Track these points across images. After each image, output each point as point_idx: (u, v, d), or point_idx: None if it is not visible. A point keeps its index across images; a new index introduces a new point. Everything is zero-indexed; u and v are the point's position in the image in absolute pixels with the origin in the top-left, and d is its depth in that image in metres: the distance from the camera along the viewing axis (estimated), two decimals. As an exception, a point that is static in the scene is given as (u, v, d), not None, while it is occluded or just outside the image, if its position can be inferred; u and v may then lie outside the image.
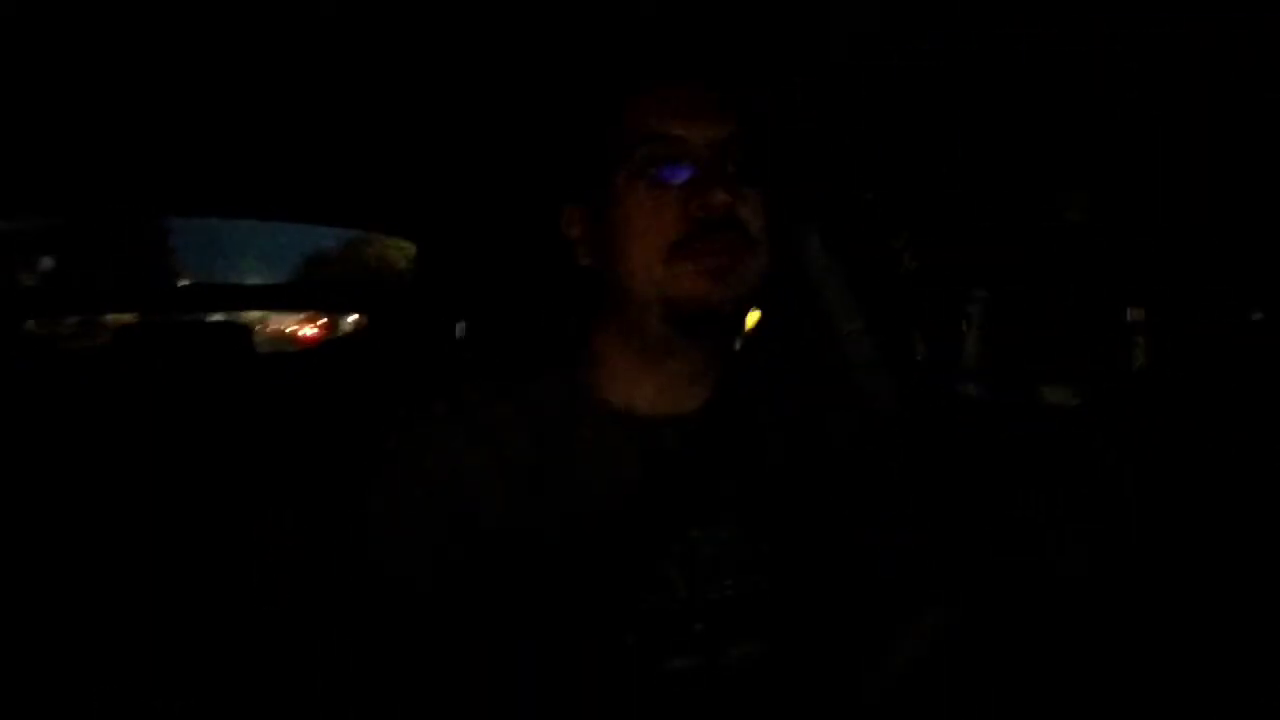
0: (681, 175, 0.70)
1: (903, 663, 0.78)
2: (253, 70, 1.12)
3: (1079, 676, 0.72)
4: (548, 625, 0.66)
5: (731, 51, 0.81)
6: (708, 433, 0.77)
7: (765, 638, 0.74)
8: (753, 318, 1.03)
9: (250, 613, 1.38)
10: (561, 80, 0.99)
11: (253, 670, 1.28)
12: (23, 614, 1.36)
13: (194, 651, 1.37)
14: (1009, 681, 0.77)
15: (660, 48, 0.79)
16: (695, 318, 0.71)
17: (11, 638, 1.32)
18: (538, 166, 1.10)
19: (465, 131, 1.33)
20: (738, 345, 0.89)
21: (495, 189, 1.52)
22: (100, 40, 1.01)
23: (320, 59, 1.08)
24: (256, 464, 1.62)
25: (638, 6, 0.89)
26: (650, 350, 0.75)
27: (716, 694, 0.71)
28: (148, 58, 1.07)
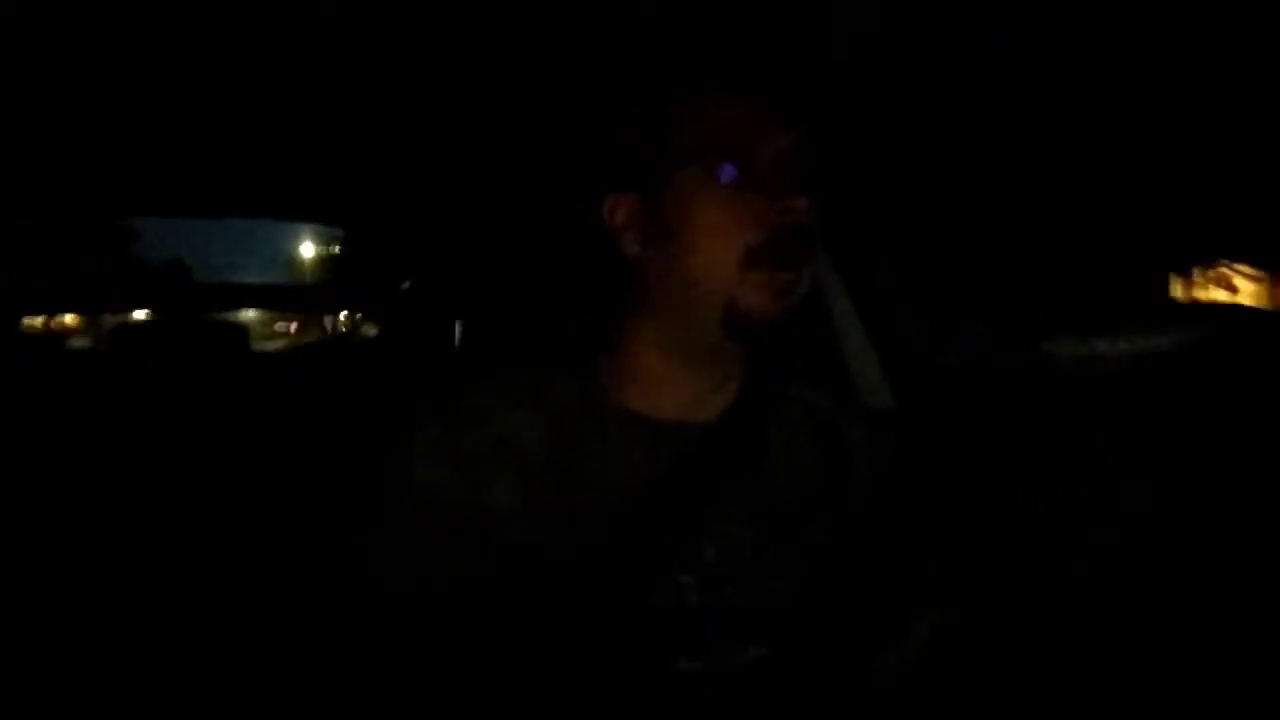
0: (751, 183, 0.70)
1: (906, 662, 0.78)
2: (253, 69, 1.12)
3: (1083, 677, 0.73)
4: (558, 628, 0.66)
5: (794, 62, 0.82)
6: (724, 438, 0.77)
7: (776, 642, 0.74)
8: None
9: (250, 613, 1.38)
10: (608, 69, 0.98)
11: (253, 670, 1.28)
12: (23, 614, 1.36)
13: (194, 651, 1.37)
14: (1012, 682, 0.77)
15: (730, 56, 0.80)
16: (756, 327, 0.71)
17: (11, 637, 1.32)
18: (555, 158, 1.10)
19: (465, 129, 1.32)
20: None
21: (494, 187, 1.52)
22: (97, 40, 1.01)
23: (320, 58, 1.08)
24: (256, 464, 1.62)
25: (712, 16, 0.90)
26: (691, 351, 0.74)
27: (726, 697, 0.71)
28: (146, 58, 1.07)
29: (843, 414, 0.88)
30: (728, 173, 0.70)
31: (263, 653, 1.28)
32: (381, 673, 0.68)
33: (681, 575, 0.72)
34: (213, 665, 1.34)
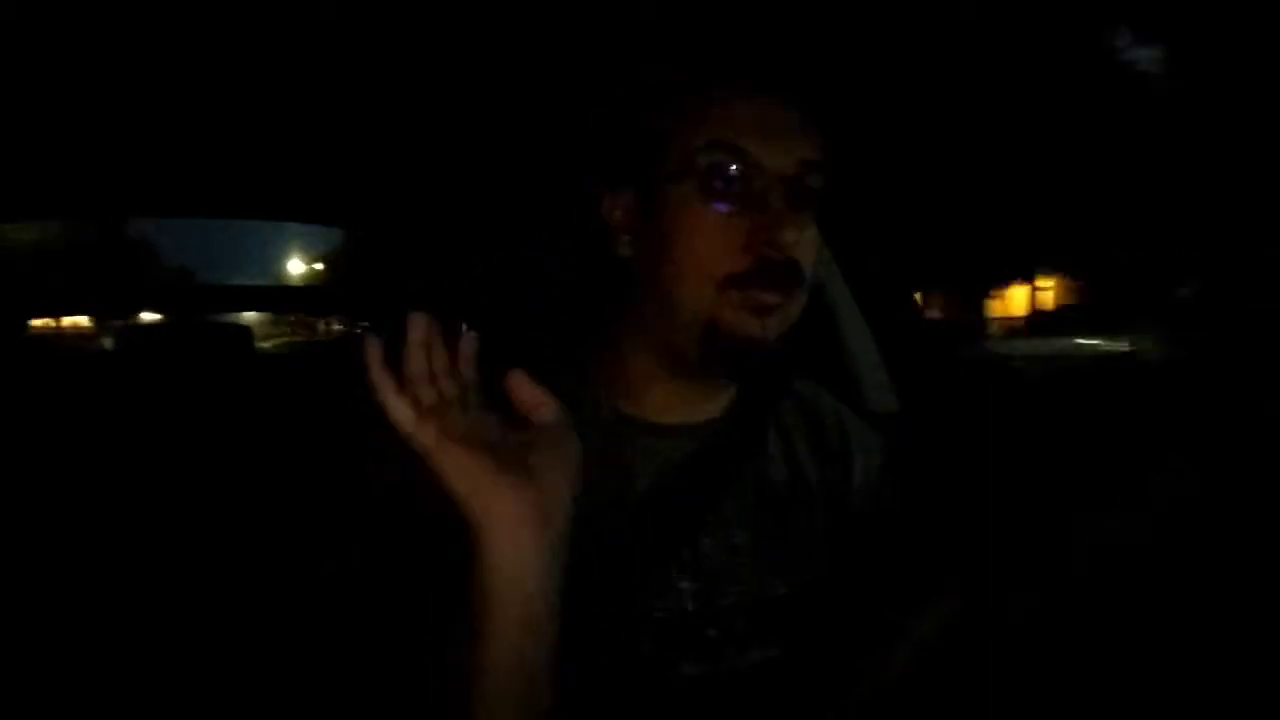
0: (748, 200, 0.66)
1: (907, 660, 0.77)
2: (252, 68, 1.12)
3: (1084, 675, 0.72)
4: (560, 631, 0.65)
5: (820, 66, 0.76)
6: (722, 441, 0.76)
7: (778, 643, 0.74)
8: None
9: (250, 612, 1.38)
10: (612, 66, 0.95)
11: (253, 670, 1.28)
12: (23, 613, 1.36)
13: (194, 651, 1.37)
14: (1013, 679, 0.77)
15: (741, 52, 0.72)
16: (736, 350, 0.68)
17: (11, 638, 1.32)
18: (546, 154, 1.09)
19: (465, 131, 1.32)
20: None
21: (494, 190, 1.52)
22: (96, 41, 1.01)
23: (319, 58, 1.08)
24: (257, 464, 1.62)
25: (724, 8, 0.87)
26: (678, 363, 0.72)
27: (729, 699, 0.71)
28: (144, 59, 1.07)
29: (844, 413, 0.88)
30: (718, 189, 0.66)
31: (263, 652, 1.28)
32: (380, 674, 0.67)
33: (681, 579, 0.71)
34: (213, 665, 1.35)
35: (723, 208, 0.66)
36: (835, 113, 0.72)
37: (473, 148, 1.39)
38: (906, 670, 0.76)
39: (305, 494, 1.38)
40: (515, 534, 0.53)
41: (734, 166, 0.66)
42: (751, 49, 0.70)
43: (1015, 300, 22.43)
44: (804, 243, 0.67)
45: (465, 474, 0.53)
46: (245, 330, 2.40)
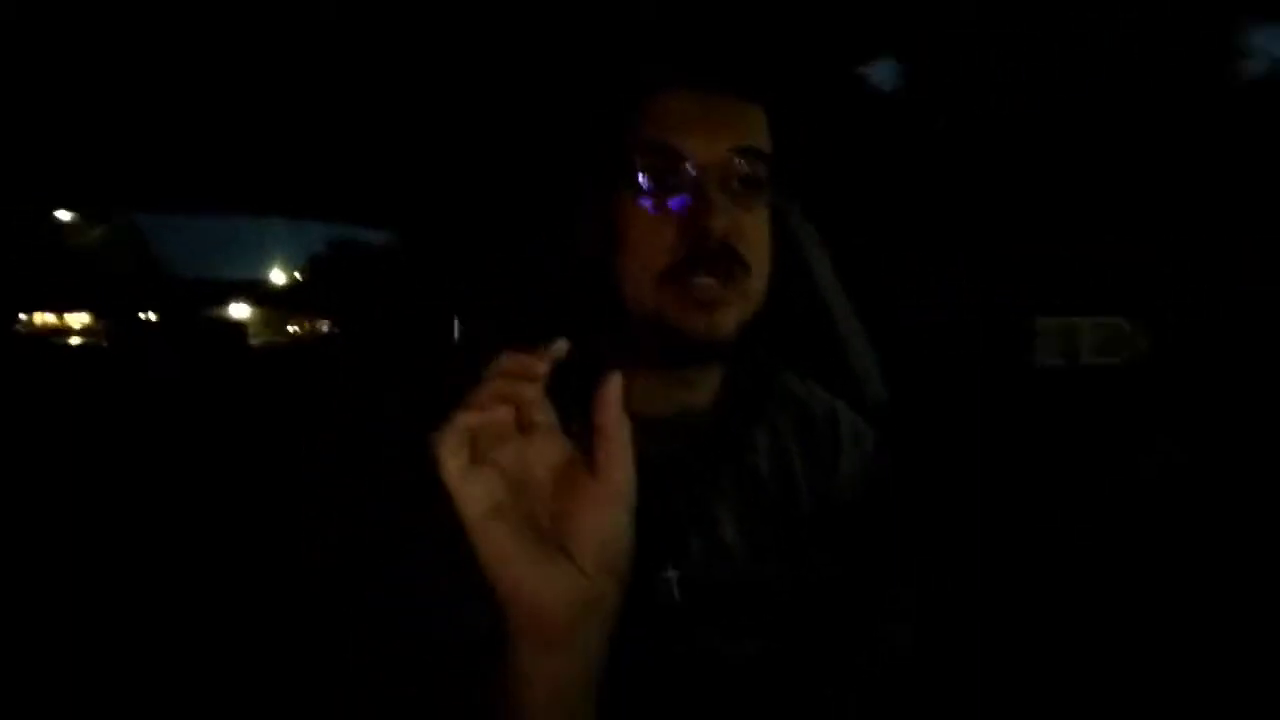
0: (679, 194, 0.67)
1: (896, 654, 0.78)
2: (252, 68, 1.12)
3: (1082, 668, 0.73)
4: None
5: (743, 56, 0.77)
6: (707, 434, 0.76)
7: (767, 636, 0.74)
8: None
9: (251, 612, 1.38)
10: (565, 78, 0.97)
11: (253, 670, 1.28)
12: (23, 613, 1.36)
13: (194, 651, 1.37)
14: (1001, 673, 0.77)
15: (666, 50, 0.74)
16: (687, 344, 0.68)
17: (10, 637, 1.32)
18: (534, 161, 1.09)
19: (459, 128, 1.32)
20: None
21: (488, 186, 1.52)
22: (95, 40, 1.01)
23: (318, 58, 1.08)
24: (254, 460, 1.62)
25: (642, 7, 0.87)
26: (645, 358, 0.72)
27: (716, 694, 0.71)
28: (143, 58, 1.06)
29: (834, 405, 0.88)
30: (652, 186, 0.67)
31: (264, 652, 1.28)
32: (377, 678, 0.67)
33: (668, 571, 0.71)
34: (213, 665, 1.35)
35: (656, 204, 0.67)
36: (779, 97, 0.73)
37: (456, 148, 1.39)
38: (895, 663, 0.76)
39: (299, 487, 1.39)
40: (553, 636, 0.48)
41: (665, 162, 0.66)
42: (679, 44, 0.72)
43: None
44: (744, 229, 0.68)
45: (504, 557, 0.47)
46: (240, 327, 2.40)
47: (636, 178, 0.67)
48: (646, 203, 0.67)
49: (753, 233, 0.69)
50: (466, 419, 0.48)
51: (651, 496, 0.72)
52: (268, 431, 1.70)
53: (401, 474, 0.69)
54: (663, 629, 0.71)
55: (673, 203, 0.67)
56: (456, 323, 1.85)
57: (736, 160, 0.68)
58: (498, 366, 0.50)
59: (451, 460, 0.47)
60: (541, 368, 0.50)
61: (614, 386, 0.51)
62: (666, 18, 0.88)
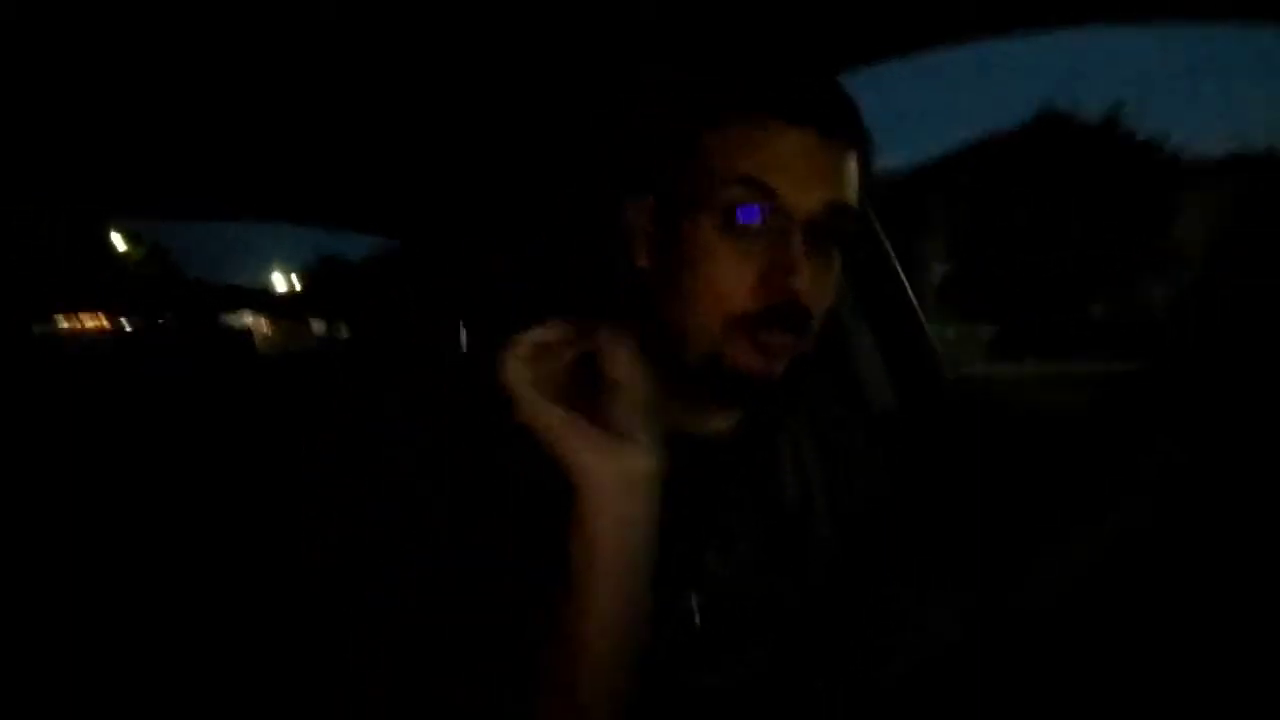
0: (770, 239, 0.63)
1: (908, 666, 0.77)
2: (253, 68, 1.12)
3: (1090, 676, 0.72)
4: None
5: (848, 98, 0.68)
6: (730, 454, 0.74)
7: (783, 653, 0.73)
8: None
9: (251, 612, 1.38)
10: (636, 67, 0.92)
11: (254, 670, 1.28)
12: (23, 614, 1.36)
13: (194, 651, 1.37)
14: (1012, 684, 0.77)
15: (783, 81, 0.65)
16: (738, 382, 0.66)
17: (10, 638, 1.32)
18: (544, 156, 1.08)
19: (465, 127, 1.32)
20: None
21: (499, 191, 1.52)
22: (95, 40, 1.01)
23: (318, 58, 1.08)
24: (258, 466, 1.62)
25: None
26: (683, 381, 0.69)
27: (735, 713, 0.71)
28: (142, 58, 1.07)
29: (849, 422, 0.87)
30: (740, 225, 0.63)
31: (264, 652, 1.28)
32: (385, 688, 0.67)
33: (687, 589, 0.70)
34: (214, 665, 1.34)
35: (742, 245, 0.64)
36: (869, 146, 0.68)
37: (488, 148, 1.38)
38: (907, 675, 0.76)
39: (300, 487, 1.39)
40: (617, 502, 0.56)
41: (759, 205, 0.63)
42: (797, 80, 0.65)
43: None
44: (822, 286, 0.65)
45: (567, 434, 0.56)
46: (246, 332, 2.41)
47: (724, 213, 0.64)
48: (732, 242, 0.64)
49: (825, 286, 0.67)
50: (535, 334, 0.58)
51: (670, 515, 0.72)
52: (273, 433, 1.70)
53: (404, 474, 0.69)
54: (680, 648, 0.70)
55: (758, 247, 0.64)
56: (463, 330, 1.85)
57: (831, 216, 0.64)
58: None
59: (515, 363, 0.57)
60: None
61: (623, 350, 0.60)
62: (779, 45, 0.84)
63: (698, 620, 0.70)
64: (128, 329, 2.45)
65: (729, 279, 0.64)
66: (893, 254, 1.30)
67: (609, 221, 0.72)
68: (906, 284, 1.32)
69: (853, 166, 0.66)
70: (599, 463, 0.56)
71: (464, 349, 1.66)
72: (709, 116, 0.65)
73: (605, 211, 0.73)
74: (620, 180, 0.73)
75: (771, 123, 0.63)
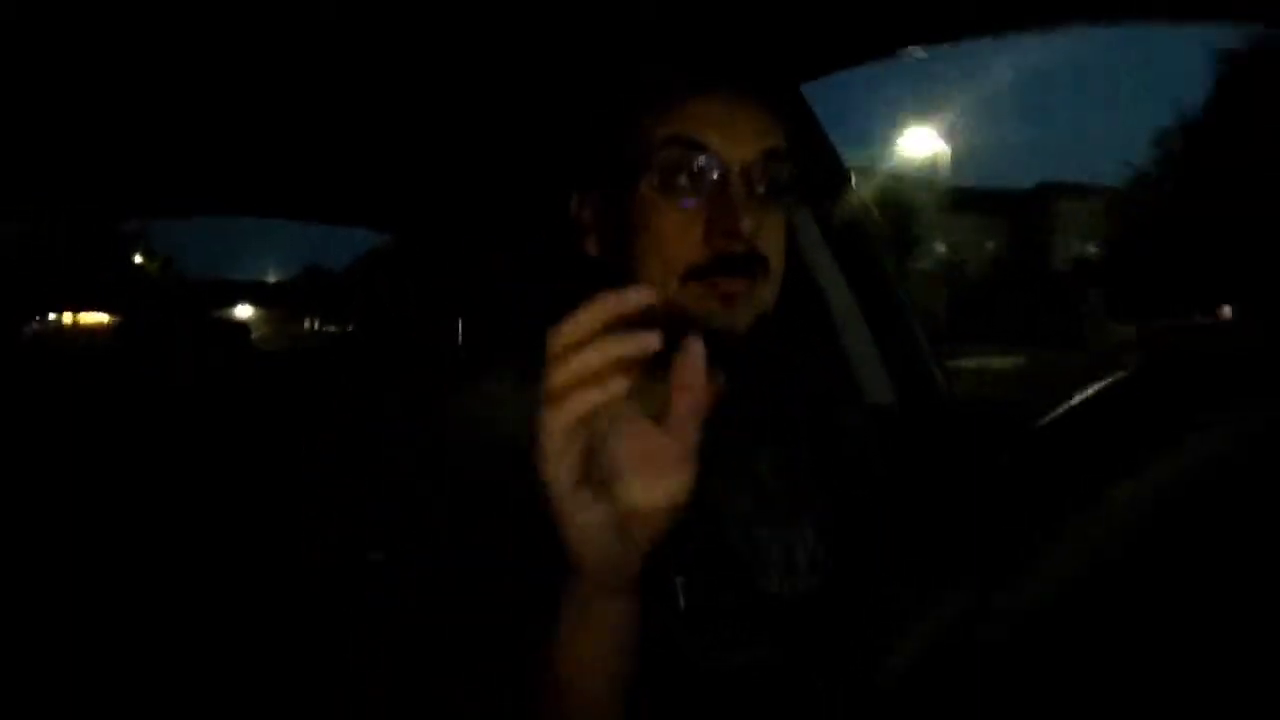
0: (707, 192, 0.67)
1: (909, 656, 0.77)
2: (252, 67, 1.12)
3: (1090, 673, 0.73)
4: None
5: (772, 58, 0.75)
6: (710, 437, 0.75)
7: (775, 639, 0.74)
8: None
9: (252, 612, 1.38)
10: (583, 70, 0.95)
11: (254, 670, 1.28)
12: (22, 614, 1.36)
13: (195, 651, 1.37)
14: (1015, 678, 0.77)
15: (696, 51, 0.73)
16: (704, 341, 0.67)
17: (9, 638, 1.32)
18: (540, 154, 1.09)
19: (462, 125, 1.32)
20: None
21: (492, 184, 1.52)
22: (95, 40, 1.01)
23: (318, 57, 1.08)
24: (257, 463, 1.62)
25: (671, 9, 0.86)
26: (659, 358, 0.71)
27: (724, 698, 0.71)
28: (142, 58, 1.07)
29: (840, 404, 0.88)
30: (677, 183, 0.67)
31: (265, 652, 1.28)
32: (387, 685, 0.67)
33: (674, 576, 0.71)
34: (214, 665, 1.35)
35: (682, 202, 0.67)
36: (795, 101, 0.72)
37: (487, 146, 1.38)
38: (909, 665, 0.76)
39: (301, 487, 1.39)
40: (619, 597, 0.54)
41: (692, 159, 0.66)
42: (711, 45, 0.70)
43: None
44: (767, 231, 0.68)
45: (588, 525, 0.51)
46: (242, 327, 2.40)
47: (661, 175, 0.67)
48: (672, 201, 0.67)
49: (773, 235, 0.69)
50: (576, 407, 0.51)
51: None
52: (272, 431, 1.70)
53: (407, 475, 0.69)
54: (670, 635, 0.70)
55: (699, 202, 0.67)
56: (460, 324, 1.85)
57: (764, 163, 0.68)
58: (596, 316, 0.51)
59: (555, 458, 0.51)
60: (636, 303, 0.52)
61: (698, 346, 0.54)
62: (697, 21, 0.86)
63: (683, 601, 0.70)
64: (127, 328, 2.45)
65: (675, 236, 0.66)
66: (888, 255, 1.30)
67: (559, 217, 0.74)
68: (899, 286, 1.32)
69: (777, 121, 0.70)
70: (613, 554, 0.52)
71: (463, 348, 1.66)
72: (644, 102, 0.69)
73: (555, 208, 0.75)
74: (569, 177, 0.75)
75: (695, 91, 0.68)
